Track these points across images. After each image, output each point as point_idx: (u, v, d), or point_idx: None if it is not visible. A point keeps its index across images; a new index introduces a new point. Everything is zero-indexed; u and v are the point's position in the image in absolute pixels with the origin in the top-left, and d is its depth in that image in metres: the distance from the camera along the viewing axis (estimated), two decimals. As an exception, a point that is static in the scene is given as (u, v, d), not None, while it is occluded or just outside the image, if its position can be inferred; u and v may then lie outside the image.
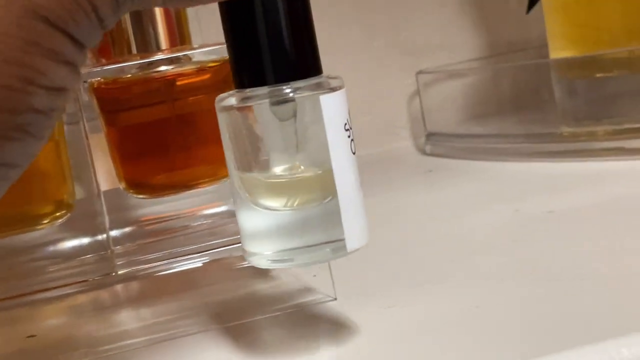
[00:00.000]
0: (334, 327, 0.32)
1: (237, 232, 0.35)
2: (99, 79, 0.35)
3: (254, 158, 0.28)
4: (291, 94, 0.27)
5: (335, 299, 0.34)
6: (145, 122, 0.37)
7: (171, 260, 0.35)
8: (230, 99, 0.27)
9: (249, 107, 0.27)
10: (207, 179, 0.37)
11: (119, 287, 0.36)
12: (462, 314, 0.30)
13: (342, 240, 0.27)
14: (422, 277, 0.35)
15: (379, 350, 0.29)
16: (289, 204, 0.27)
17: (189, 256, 0.35)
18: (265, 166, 0.28)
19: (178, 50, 0.36)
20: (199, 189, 0.38)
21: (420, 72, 0.63)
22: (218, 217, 0.38)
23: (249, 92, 0.27)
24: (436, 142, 0.62)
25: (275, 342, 0.31)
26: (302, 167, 0.27)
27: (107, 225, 0.36)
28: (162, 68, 0.36)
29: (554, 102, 0.55)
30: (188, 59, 0.36)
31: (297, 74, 0.27)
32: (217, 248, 0.35)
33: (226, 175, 0.37)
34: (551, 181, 0.49)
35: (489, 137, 0.59)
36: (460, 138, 0.61)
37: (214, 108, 0.38)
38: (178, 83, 0.38)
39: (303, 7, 0.27)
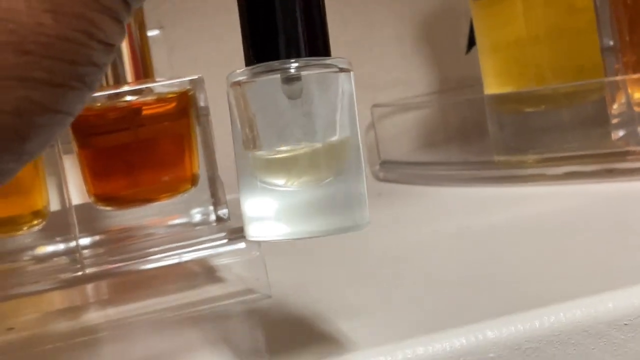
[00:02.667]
0: (260, 320, 0.38)
1: (193, 238, 0.41)
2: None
3: (256, 133, 0.28)
4: (299, 71, 0.27)
5: (270, 296, 0.40)
6: (114, 145, 0.43)
7: (134, 262, 0.41)
8: (238, 75, 0.28)
9: (253, 82, 0.27)
10: (167, 194, 0.43)
11: (88, 286, 0.42)
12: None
13: (358, 214, 0.28)
14: (339, 280, 0.41)
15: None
16: (292, 180, 0.27)
17: (149, 258, 0.41)
18: (269, 142, 0.28)
19: (141, 83, 0.42)
20: (160, 202, 0.44)
21: (374, 106, 0.69)
22: (178, 227, 0.44)
23: (255, 68, 0.27)
24: (389, 169, 0.68)
25: (203, 334, 0.37)
26: (304, 143, 0.27)
27: (77, 232, 0.41)
28: (128, 98, 0.42)
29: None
30: (150, 90, 0.42)
31: (306, 52, 0.27)
32: (172, 252, 0.41)
33: (185, 191, 0.44)
34: (479, 203, 0.55)
35: (434, 164, 0.65)
36: (410, 165, 0.67)
37: (174, 133, 0.44)
38: (143, 112, 0.44)
39: None
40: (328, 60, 0.27)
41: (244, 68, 0.28)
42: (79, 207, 0.42)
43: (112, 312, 0.41)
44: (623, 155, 0.53)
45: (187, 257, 0.40)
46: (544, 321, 0.31)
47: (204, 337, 0.36)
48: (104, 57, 0.23)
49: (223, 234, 0.41)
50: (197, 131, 0.43)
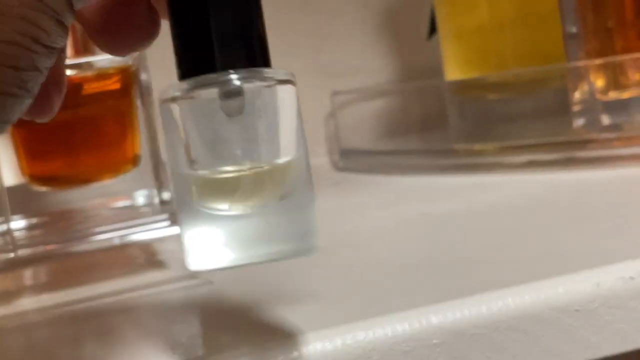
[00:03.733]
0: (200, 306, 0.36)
1: (133, 218, 0.40)
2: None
3: (195, 154, 0.25)
4: (241, 84, 0.24)
5: (212, 282, 0.38)
6: (51, 124, 0.41)
7: (70, 243, 0.39)
8: (171, 90, 0.25)
9: (189, 98, 0.25)
10: (107, 175, 0.41)
11: (23, 271, 0.40)
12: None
13: (307, 238, 0.26)
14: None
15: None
16: (236, 204, 0.26)
17: (87, 239, 0.39)
18: (208, 163, 0.25)
19: (81, 58, 0.40)
20: (101, 184, 0.42)
21: (335, 93, 0.67)
22: (120, 210, 0.42)
23: (190, 82, 0.25)
24: (348, 159, 0.66)
25: (140, 320, 0.35)
26: (248, 164, 0.25)
27: (9, 214, 0.39)
28: (67, 72, 0.40)
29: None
30: (90, 65, 0.40)
31: (245, 63, 0.25)
32: (112, 233, 0.39)
33: (126, 171, 0.42)
34: (438, 191, 0.53)
35: (394, 153, 0.63)
36: (370, 155, 0.65)
37: (115, 113, 0.42)
38: (84, 91, 0.42)
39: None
40: (269, 72, 0.25)
41: (176, 82, 0.25)
42: (14, 188, 0.40)
43: (47, 297, 0.39)
44: (584, 144, 0.52)
45: (127, 240, 0.39)
46: (491, 306, 0.30)
47: (140, 323, 0.34)
48: (47, 61, 0.22)
49: (166, 216, 0.39)
50: (140, 111, 0.42)
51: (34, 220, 0.41)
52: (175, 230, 0.39)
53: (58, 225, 0.40)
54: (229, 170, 0.25)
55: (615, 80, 0.53)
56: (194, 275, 0.39)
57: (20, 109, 0.22)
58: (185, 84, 0.25)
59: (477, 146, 0.56)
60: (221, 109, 0.25)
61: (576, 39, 0.56)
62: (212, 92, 0.24)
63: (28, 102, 0.22)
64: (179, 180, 0.26)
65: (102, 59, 0.40)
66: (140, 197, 0.42)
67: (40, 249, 0.38)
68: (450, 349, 0.29)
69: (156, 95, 0.42)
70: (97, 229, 0.39)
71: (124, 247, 0.40)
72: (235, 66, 0.24)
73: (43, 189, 0.41)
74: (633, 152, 0.51)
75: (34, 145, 0.41)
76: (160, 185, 0.42)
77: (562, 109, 0.55)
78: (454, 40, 0.59)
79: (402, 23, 0.73)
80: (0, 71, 0.21)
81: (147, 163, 0.42)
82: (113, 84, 0.41)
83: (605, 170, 0.50)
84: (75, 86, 0.41)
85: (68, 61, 0.40)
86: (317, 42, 0.71)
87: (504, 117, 0.56)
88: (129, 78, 0.41)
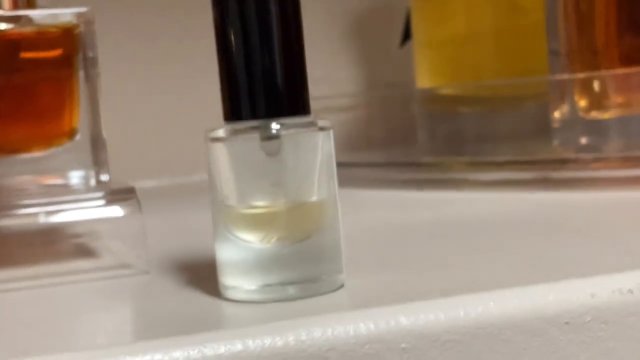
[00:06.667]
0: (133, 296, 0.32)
1: (65, 197, 0.35)
2: None
3: (235, 189, 0.28)
4: (281, 131, 0.27)
5: (148, 272, 0.34)
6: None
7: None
8: (219, 131, 0.28)
9: (234, 139, 0.28)
10: (39, 146, 0.37)
11: None
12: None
13: (333, 275, 0.28)
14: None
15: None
16: (267, 238, 0.27)
17: (9, 213, 0.34)
18: (246, 198, 0.28)
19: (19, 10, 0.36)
20: (34, 160, 0.37)
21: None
22: (49, 187, 0.38)
23: (237, 125, 0.28)
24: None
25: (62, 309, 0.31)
26: (282, 200, 0.27)
27: None
28: (2, 27, 0.35)
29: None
30: (29, 20, 0.36)
31: (288, 111, 0.27)
32: (39, 208, 0.34)
33: (59, 145, 0.37)
34: (402, 205, 0.49)
35: (357, 165, 0.59)
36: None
37: (54, 83, 0.37)
38: (22, 55, 0.37)
39: (298, 44, 0.28)
40: (308, 119, 0.28)
41: (223, 124, 0.28)
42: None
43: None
44: (560, 164, 0.48)
45: (57, 219, 0.34)
46: (469, 311, 0.26)
47: (62, 312, 0.30)
48: None
49: (100, 195, 0.35)
50: (83, 84, 0.37)
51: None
52: (113, 211, 0.34)
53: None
54: (264, 206, 0.27)
55: (598, 101, 0.50)
56: (128, 264, 0.34)
57: None
58: (230, 127, 0.28)
59: (447, 161, 0.52)
60: (261, 149, 0.27)
61: (560, 57, 0.52)
62: (254, 137, 0.27)
63: None
64: (217, 210, 0.28)
65: (44, 14, 0.36)
66: (75, 177, 0.38)
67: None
68: (420, 355, 0.25)
69: (102, 67, 0.38)
70: (22, 202, 0.34)
71: (53, 229, 0.36)
72: (276, 114, 0.27)
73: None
74: (610, 175, 0.48)
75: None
76: (98, 165, 0.37)
77: (540, 125, 0.51)
78: (428, 50, 0.56)
79: (371, 33, 0.70)
80: None
81: (85, 140, 0.38)
82: (54, 51, 0.37)
83: (581, 193, 0.46)
84: (13, 46, 0.37)
85: (5, 13, 0.36)
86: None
87: (477, 133, 0.53)
88: (72, 45, 0.37)
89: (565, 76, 0.48)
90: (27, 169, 0.38)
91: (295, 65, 0.28)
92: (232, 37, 0.27)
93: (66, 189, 0.37)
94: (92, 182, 0.38)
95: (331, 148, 0.28)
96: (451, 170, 0.52)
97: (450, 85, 0.54)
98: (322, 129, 0.28)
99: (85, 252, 0.36)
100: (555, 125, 0.49)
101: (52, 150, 0.37)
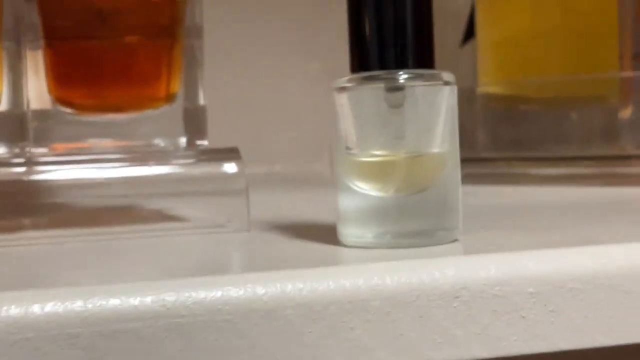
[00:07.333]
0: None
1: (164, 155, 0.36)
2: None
3: (357, 138, 0.28)
4: (406, 82, 0.27)
5: (249, 230, 0.34)
6: (77, 51, 0.37)
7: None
8: (344, 80, 0.28)
9: (358, 88, 0.28)
10: (134, 108, 0.38)
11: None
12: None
13: (450, 228, 0.29)
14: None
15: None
16: (386, 187, 0.28)
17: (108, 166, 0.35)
18: (367, 147, 0.28)
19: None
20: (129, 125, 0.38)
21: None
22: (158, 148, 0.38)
23: (363, 75, 0.28)
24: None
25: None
26: (404, 150, 0.28)
27: (32, 135, 0.36)
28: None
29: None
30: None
31: (414, 64, 0.28)
32: (139, 165, 0.35)
33: (156, 107, 0.38)
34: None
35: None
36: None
37: (155, 51, 0.38)
38: (122, 20, 0.38)
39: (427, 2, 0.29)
40: (434, 73, 0.28)
41: (349, 75, 0.28)
42: (37, 112, 0.36)
43: (54, 233, 0.34)
44: (627, 160, 0.49)
45: (155, 172, 0.35)
46: (596, 261, 0.26)
47: (175, 251, 0.30)
48: None
49: (196, 152, 0.35)
50: (185, 54, 0.38)
51: (46, 150, 0.37)
52: (225, 167, 0.35)
53: (75, 156, 0.36)
54: (386, 155, 0.28)
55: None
56: (230, 221, 0.35)
57: None
58: (356, 77, 0.28)
59: (508, 155, 0.53)
60: (385, 100, 0.27)
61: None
62: (379, 87, 0.27)
63: None
64: (340, 158, 0.29)
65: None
66: (180, 142, 0.38)
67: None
68: (545, 299, 0.26)
69: (207, 37, 0.38)
70: (131, 156, 0.35)
71: (159, 182, 0.36)
72: (402, 66, 0.28)
73: (67, 110, 0.37)
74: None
75: (59, 70, 0.37)
76: (199, 132, 0.38)
77: (604, 127, 0.52)
78: (492, 48, 0.56)
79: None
80: None
81: (180, 107, 0.38)
82: (157, 18, 0.38)
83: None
84: (116, 12, 0.37)
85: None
86: (335, 42, 0.68)
87: (540, 132, 0.53)
88: (176, 13, 0.38)
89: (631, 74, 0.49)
90: (119, 132, 0.38)
91: (424, 18, 0.28)
92: None
93: (172, 149, 0.37)
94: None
95: (454, 102, 0.28)
96: (511, 166, 0.53)
97: (514, 82, 0.55)
98: (446, 83, 0.28)
99: (189, 208, 0.36)
100: (622, 125, 0.50)
101: (158, 114, 0.37)
